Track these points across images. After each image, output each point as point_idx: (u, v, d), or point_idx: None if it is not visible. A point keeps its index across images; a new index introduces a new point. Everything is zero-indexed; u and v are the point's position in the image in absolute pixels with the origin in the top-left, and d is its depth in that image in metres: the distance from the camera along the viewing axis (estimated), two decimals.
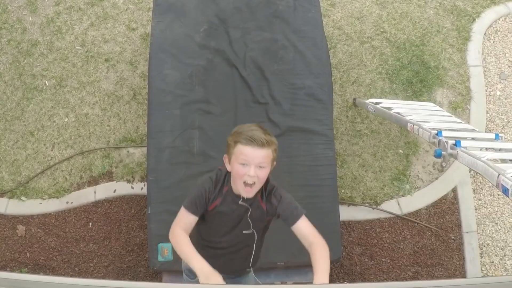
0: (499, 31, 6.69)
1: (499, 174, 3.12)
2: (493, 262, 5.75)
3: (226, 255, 3.26)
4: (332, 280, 5.59)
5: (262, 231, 3.31)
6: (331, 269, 5.19)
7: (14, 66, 6.56)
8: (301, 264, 4.89)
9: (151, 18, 5.75)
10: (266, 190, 3.14)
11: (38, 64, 6.55)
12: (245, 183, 2.92)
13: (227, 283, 3.04)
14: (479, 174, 3.45)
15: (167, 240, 4.84)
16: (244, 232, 3.15)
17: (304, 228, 3.11)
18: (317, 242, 3.03)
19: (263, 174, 2.92)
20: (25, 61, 6.58)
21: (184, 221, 3.14)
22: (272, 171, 3.13)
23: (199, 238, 3.30)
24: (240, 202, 3.07)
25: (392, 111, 5.03)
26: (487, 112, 6.26)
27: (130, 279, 5.70)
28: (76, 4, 6.86)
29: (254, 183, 2.91)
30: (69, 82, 6.44)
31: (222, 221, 3.16)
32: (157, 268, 4.86)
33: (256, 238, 3.19)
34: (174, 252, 4.80)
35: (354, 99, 6.17)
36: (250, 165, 2.85)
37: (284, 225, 4.42)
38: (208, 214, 3.16)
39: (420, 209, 5.90)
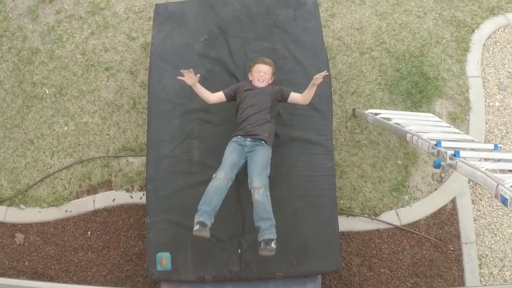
0: (498, 42, 6.70)
1: (498, 184, 3.12)
2: (492, 273, 5.74)
3: (251, 118, 4.88)
4: None
5: (270, 107, 4.98)
6: (329, 281, 5.19)
7: (15, 73, 6.57)
8: (300, 274, 4.89)
9: (152, 27, 5.77)
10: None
11: (38, 72, 6.57)
12: (258, 80, 5.07)
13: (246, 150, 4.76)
14: (478, 184, 3.45)
15: (166, 250, 4.88)
16: (257, 109, 4.92)
17: (296, 95, 5.02)
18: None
19: (267, 77, 5.10)
20: (25, 69, 6.59)
21: (217, 93, 5.10)
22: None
23: (239, 117, 4.95)
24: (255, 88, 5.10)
25: (391, 122, 5.04)
26: (486, 123, 6.26)
27: None
28: (77, 12, 6.88)
29: (263, 80, 5.07)
30: (69, 91, 6.45)
31: (248, 100, 4.97)
32: (155, 278, 4.86)
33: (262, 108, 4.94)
34: (172, 262, 4.83)
35: (354, 109, 6.18)
36: (261, 71, 5.09)
37: (283, 235, 4.45)
38: (238, 96, 5.06)
39: (419, 220, 5.90)
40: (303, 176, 5.07)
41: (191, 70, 4.85)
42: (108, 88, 6.46)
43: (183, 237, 4.89)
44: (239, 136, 4.85)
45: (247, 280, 4.91)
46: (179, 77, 4.88)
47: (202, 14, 5.72)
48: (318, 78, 4.66)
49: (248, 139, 4.83)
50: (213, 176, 4.55)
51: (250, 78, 5.21)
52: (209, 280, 4.80)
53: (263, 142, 4.83)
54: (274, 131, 5.05)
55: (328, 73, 5.00)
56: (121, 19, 6.84)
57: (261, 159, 4.74)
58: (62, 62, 6.61)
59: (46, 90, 6.48)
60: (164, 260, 4.82)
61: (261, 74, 5.09)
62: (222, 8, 5.76)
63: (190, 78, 4.86)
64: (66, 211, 5.98)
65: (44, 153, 6.21)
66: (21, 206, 6.02)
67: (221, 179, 4.49)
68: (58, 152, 6.20)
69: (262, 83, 5.07)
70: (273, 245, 4.29)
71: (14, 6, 7.01)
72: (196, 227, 4.28)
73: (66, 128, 6.29)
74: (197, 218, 4.32)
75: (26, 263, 5.81)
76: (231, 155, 4.72)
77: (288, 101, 5.06)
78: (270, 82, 5.19)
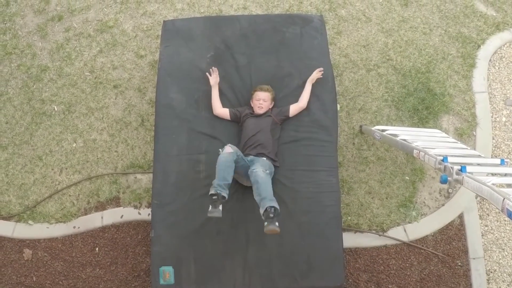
0: (504, 57, 6.73)
1: (504, 198, 3.13)
2: None
3: (250, 143, 5.18)
4: None
5: (271, 130, 5.29)
6: None
7: (24, 91, 6.63)
8: None
9: (160, 44, 5.84)
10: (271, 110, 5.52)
11: (47, 90, 6.62)
12: (258, 107, 5.36)
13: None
14: (485, 199, 3.45)
15: (170, 264, 4.91)
16: (258, 129, 5.25)
17: (294, 106, 5.43)
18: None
19: (266, 103, 5.38)
20: (34, 86, 6.65)
21: (224, 108, 5.48)
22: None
23: (242, 141, 5.29)
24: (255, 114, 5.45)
25: (398, 138, 5.04)
26: (493, 138, 6.26)
27: None
28: (86, 30, 6.95)
29: (262, 107, 5.35)
30: (77, 108, 6.50)
31: (249, 124, 5.31)
32: None
33: (264, 129, 5.27)
34: (176, 276, 4.85)
35: (361, 126, 6.20)
36: (260, 99, 5.37)
37: (287, 249, 4.45)
38: (242, 122, 5.39)
39: (426, 236, 5.89)
40: (307, 193, 5.09)
41: (216, 70, 5.52)
42: (116, 106, 6.51)
43: (187, 252, 4.92)
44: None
45: None
46: (207, 73, 5.51)
47: (209, 31, 5.78)
48: (318, 74, 5.48)
49: (251, 156, 5.14)
50: (219, 150, 4.82)
51: (252, 105, 5.50)
52: None
53: (264, 158, 5.13)
54: (276, 151, 5.33)
55: (322, 70, 5.52)
56: (129, 37, 6.90)
57: (262, 163, 4.95)
58: (71, 79, 6.67)
59: (55, 107, 6.53)
60: (167, 274, 4.84)
61: (260, 102, 5.40)
62: (229, 25, 5.82)
63: (214, 77, 5.49)
64: (74, 227, 5.99)
65: (52, 169, 6.24)
66: (30, 222, 6.04)
67: (227, 154, 4.72)
68: (66, 168, 6.24)
69: (261, 109, 5.39)
70: (276, 223, 4.42)
71: (24, 24, 7.09)
72: (210, 208, 4.52)
73: (74, 145, 6.33)
74: (211, 191, 4.56)
75: (34, 279, 5.82)
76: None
77: (290, 115, 5.45)
78: (270, 107, 5.49)
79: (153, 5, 7.09)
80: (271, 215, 4.41)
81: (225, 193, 4.57)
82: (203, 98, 5.49)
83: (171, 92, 5.48)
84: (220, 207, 4.54)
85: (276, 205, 4.49)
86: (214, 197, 4.53)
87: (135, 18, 7.03)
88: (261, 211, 4.48)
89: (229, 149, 4.75)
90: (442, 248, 5.83)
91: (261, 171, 4.67)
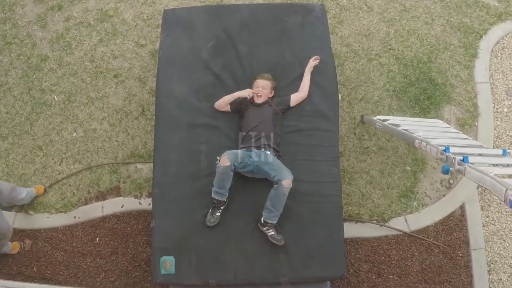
0: (506, 47, 6.70)
1: (506, 189, 3.11)
2: (501, 279, 5.71)
3: (252, 134, 5.13)
4: None
5: (273, 119, 5.23)
6: (338, 287, 5.14)
7: (24, 80, 6.61)
8: (305, 280, 4.86)
9: (160, 33, 5.81)
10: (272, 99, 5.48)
11: (47, 79, 6.60)
12: (257, 95, 5.29)
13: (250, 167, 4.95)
14: (487, 190, 3.44)
15: (170, 254, 4.89)
16: (260, 120, 5.19)
17: (295, 96, 5.37)
18: None
19: (265, 91, 5.32)
20: (34, 76, 6.63)
21: (227, 106, 5.37)
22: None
23: (243, 131, 5.22)
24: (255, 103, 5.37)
25: (399, 128, 5.03)
26: (495, 129, 6.25)
27: None
28: (86, 20, 6.92)
29: (261, 95, 5.29)
30: (78, 97, 6.48)
31: (250, 114, 5.26)
32: (159, 282, 4.83)
33: (268, 120, 5.23)
34: (176, 266, 4.83)
35: (362, 116, 6.18)
36: (259, 86, 5.32)
37: (288, 239, 4.43)
38: (243, 112, 5.31)
39: (427, 226, 5.88)
40: (308, 183, 5.07)
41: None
42: (116, 95, 6.49)
43: (187, 242, 4.90)
44: (245, 149, 5.10)
45: (252, 285, 4.89)
46: (251, 91, 5.35)
47: (210, 20, 5.75)
48: (315, 62, 5.43)
49: (254, 150, 5.08)
50: (216, 159, 4.84)
51: (253, 91, 5.39)
52: (213, 285, 4.79)
53: (268, 152, 5.07)
54: (278, 141, 5.25)
55: (318, 58, 5.49)
56: (129, 26, 6.87)
57: (276, 160, 5.05)
58: (71, 69, 6.65)
59: (55, 96, 6.52)
60: (168, 264, 4.83)
61: (259, 89, 5.33)
62: (230, 14, 5.79)
63: (248, 92, 5.33)
64: (74, 217, 5.99)
65: (52, 159, 6.23)
66: (30, 212, 6.03)
67: (223, 167, 4.75)
68: (66, 158, 6.22)
69: (260, 98, 5.32)
70: (280, 237, 4.82)
71: (23, 13, 7.07)
72: (207, 217, 4.95)
73: (74, 134, 6.32)
74: (212, 194, 4.91)
75: (35, 269, 5.82)
76: (235, 150, 5.08)
77: (291, 105, 5.38)
78: (270, 96, 5.42)
79: None
80: (271, 231, 4.87)
81: (224, 198, 4.92)
82: (204, 88, 5.45)
83: (171, 82, 5.45)
84: (218, 213, 4.96)
85: (275, 221, 4.87)
86: (215, 201, 4.92)
87: (135, 7, 7.00)
88: (263, 216, 4.87)
89: (225, 161, 4.73)
90: (443, 239, 5.83)
91: (289, 188, 4.75)
